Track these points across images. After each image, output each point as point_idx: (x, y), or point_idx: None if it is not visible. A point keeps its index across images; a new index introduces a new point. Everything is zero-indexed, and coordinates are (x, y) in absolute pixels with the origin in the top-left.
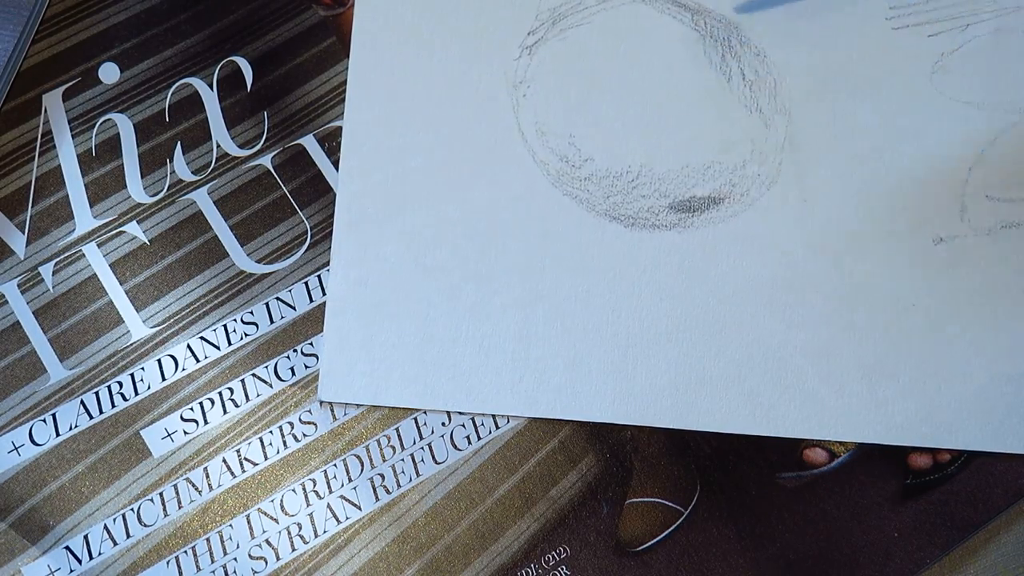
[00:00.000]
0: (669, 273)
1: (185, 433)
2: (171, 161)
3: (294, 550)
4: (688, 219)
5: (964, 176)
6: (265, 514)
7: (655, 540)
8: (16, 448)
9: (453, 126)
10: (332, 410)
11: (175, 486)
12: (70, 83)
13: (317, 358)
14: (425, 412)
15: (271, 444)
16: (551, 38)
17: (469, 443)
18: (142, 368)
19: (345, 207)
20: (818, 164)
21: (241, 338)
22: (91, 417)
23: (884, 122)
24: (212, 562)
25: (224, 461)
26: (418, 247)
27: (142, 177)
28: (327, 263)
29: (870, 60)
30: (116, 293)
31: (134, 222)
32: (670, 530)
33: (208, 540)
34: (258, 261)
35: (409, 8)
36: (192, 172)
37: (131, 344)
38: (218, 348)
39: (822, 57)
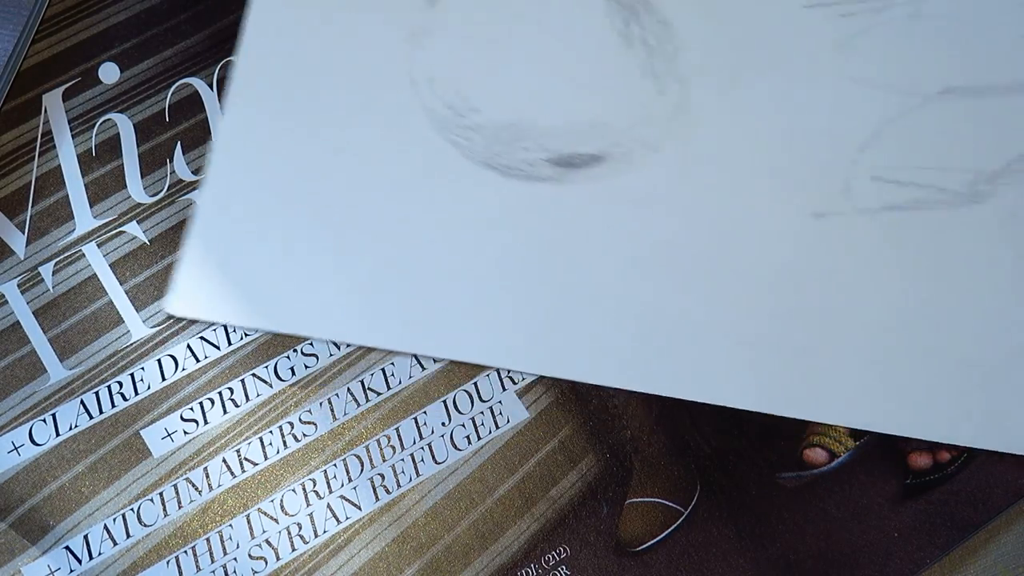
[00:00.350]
0: (539, 224)
1: (185, 433)
2: (171, 161)
3: (294, 550)
4: (566, 174)
5: (854, 155)
6: (265, 514)
7: (655, 540)
8: (16, 448)
9: (346, 66)
10: (332, 410)
11: (175, 486)
12: (70, 83)
13: (317, 358)
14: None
15: (271, 444)
16: None
17: (469, 443)
18: (142, 368)
19: (227, 130)
20: (707, 133)
21: (241, 338)
22: (91, 417)
23: (781, 97)
24: (212, 562)
25: (224, 461)
26: (293, 176)
27: (142, 177)
28: None
29: (776, 36)
30: (116, 293)
31: (134, 222)
32: (670, 530)
33: (208, 540)
34: None
35: None
36: (192, 172)
37: (131, 344)
38: (218, 348)
39: (728, 29)
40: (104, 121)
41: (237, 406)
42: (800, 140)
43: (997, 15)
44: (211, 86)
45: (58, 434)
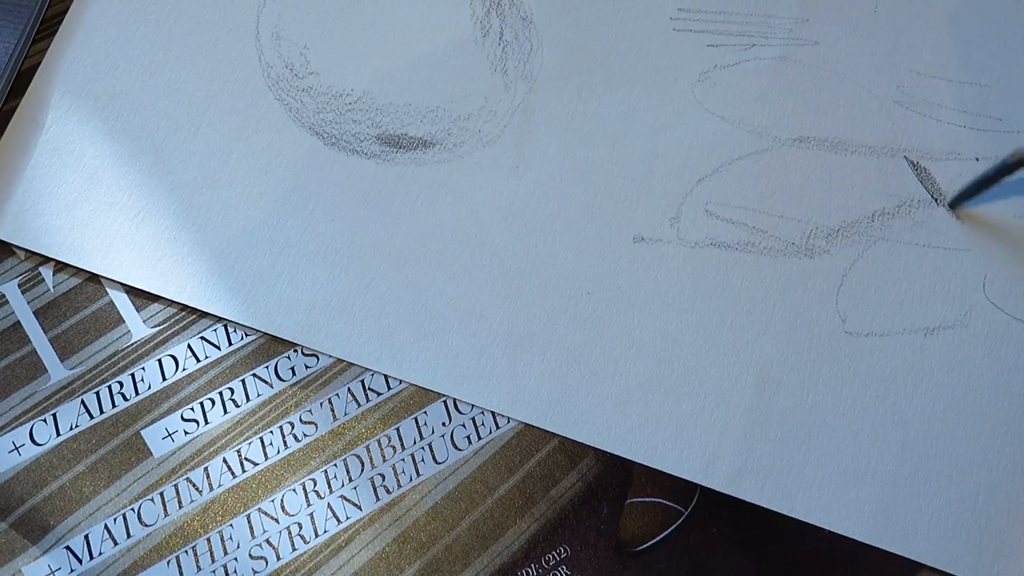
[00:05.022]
0: (352, 197)
1: (186, 433)
2: None
3: (294, 550)
4: (392, 153)
5: (690, 186)
6: (265, 514)
7: (655, 540)
8: (17, 448)
9: (193, 10)
10: (332, 410)
11: (175, 486)
12: None
13: (318, 358)
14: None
15: (271, 444)
16: None
17: (469, 443)
18: (143, 368)
19: (58, 55)
20: (544, 137)
21: (241, 338)
22: (91, 417)
23: (627, 115)
24: (212, 562)
25: (224, 461)
26: (117, 110)
27: None
28: None
29: (637, 53)
30: (116, 293)
31: None
32: (670, 530)
33: (208, 540)
34: None
35: None
36: None
37: (131, 344)
38: (218, 348)
39: (589, 38)
40: None
41: (238, 406)
42: (638, 161)
43: (868, 74)
44: None
45: (59, 434)
